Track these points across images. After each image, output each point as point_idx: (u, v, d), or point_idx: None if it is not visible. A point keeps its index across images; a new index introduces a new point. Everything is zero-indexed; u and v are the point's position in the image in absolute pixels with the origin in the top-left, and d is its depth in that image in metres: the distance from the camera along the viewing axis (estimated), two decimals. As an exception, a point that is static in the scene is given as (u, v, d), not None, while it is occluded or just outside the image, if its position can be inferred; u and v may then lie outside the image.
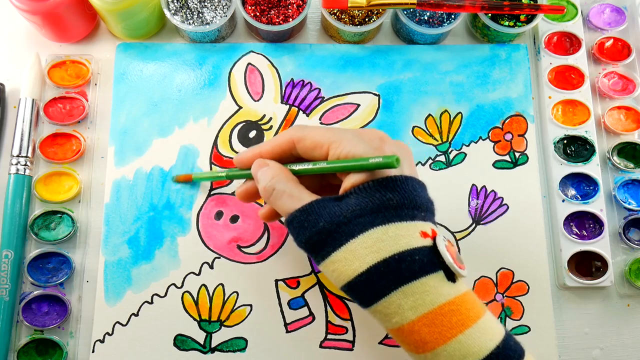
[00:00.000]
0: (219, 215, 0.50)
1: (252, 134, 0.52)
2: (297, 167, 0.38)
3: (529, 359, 0.34)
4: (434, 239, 0.34)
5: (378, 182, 0.34)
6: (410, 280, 0.32)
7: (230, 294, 0.48)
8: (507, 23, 0.53)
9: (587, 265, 0.50)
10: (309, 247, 0.35)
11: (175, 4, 0.51)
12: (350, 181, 0.34)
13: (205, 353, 0.47)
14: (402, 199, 0.34)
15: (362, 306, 0.35)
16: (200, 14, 0.51)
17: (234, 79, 0.53)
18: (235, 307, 0.48)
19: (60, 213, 0.49)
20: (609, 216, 0.51)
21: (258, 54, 0.54)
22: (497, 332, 0.34)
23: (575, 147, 0.53)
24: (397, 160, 0.32)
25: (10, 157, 0.49)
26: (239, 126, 0.52)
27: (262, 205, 0.50)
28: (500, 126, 0.53)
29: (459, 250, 0.50)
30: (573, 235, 0.50)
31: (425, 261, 0.33)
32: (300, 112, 0.52)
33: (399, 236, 0.33)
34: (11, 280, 0.46)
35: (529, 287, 0.49)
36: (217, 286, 0.48)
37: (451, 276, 0.34)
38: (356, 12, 0.52)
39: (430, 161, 0.52)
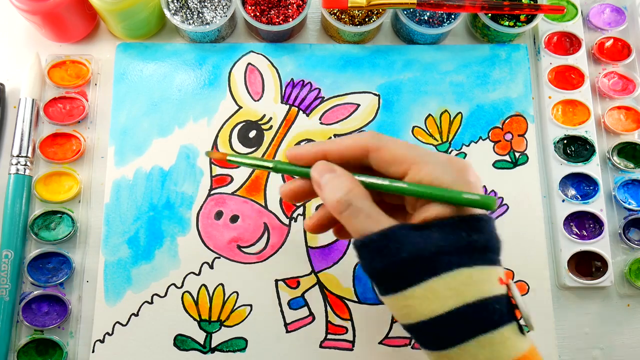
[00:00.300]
0: (218, 215, 0.50)
1: (252, 133, 0.52)
2: (370, 180, 0.33)
3: None
4: (507, 285, 0.32)
5: (465, 220, 0.31)
6: (489, 330, 0.30)
7: (230, 294, 0.48)
8: (507, 23, 0.53)
9: (587, 265, 0.50)
10: (382, 276, 0.32)
11: (175, 4, 0.51)
12: (432, 212, 0.31)
13: (205, 353, 0.47)
14: (486, 241, 0.31)
15: (425, 347, 0.32)
16: (200, 14, 0.51)
17: (234, 79, 0.53)
18: (235, 307, 0.48)
19: (60, 213, 0.49)
20: (609, 216, 0.51)
21: (258, 54, 0.54)
22: None
23: (575, 147, 0.53)
24: (495, 202, 0.30)
25: (10, 157, 0.49)
26: (239, 126, 0.52)
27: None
28: (500, 126, 0.53)
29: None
30: (573, 235, 0.50)
31: (503, 311, 0.30)
32: (300, 112, 0.52)
33: (483, 281, 0.30)
34: (11, 280, 0.46)
35: (529, 287, 0.49)
36: (217, 286, 0.48)
37: (521, 327, 0.32)
38: (356, 12, 0.52)
39: (430, 161, 0.52)
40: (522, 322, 0.32)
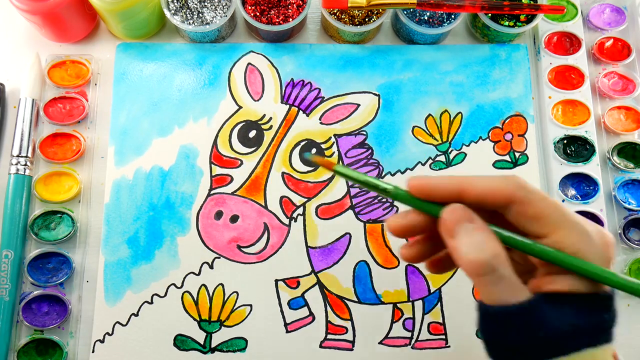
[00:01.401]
0: (218, 215, 0.50)
1: (252, 133, 0.52)
2: (506, 234, 0.30)
3: None
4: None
5: (597, 298, 0.30)
6: None
7: (230, 294, 0.48)
8: (507, 23, 0.53)
9: (587, 265, 0.50)
10: (509, 351, 0.30)
11: (175, 4, 0.51)
12: (566, 284, 0.29)
13: (205, 353, 0.47)
14: (611, 321, 0.30)
15: None
16: (200, 14, 0.51)
17: (234, 78, 0.53)
18: (235, 307, 0.48)
19: (60, 213, 0.49)
20: (609, 216, 0.51)
21: (258, 54, 0.54)
22: None
23: (575, 147, 0.53)
24: None
25: (10, 157, 0.49)
26: (239, 126, 0.52)
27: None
28: (500, 126, 0.53)
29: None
30: (573, 235, 0.50)
31: None
32: (300, 112, 0.52)
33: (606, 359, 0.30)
34: (11, 280, 0.46)
35: (529, 287, 0.49)
36: (217, 286, 0.48)
37: None
38: (356, 12, 0.52)
39: (430, 161, 0.52)
40: None
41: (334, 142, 0.52)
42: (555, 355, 0.29)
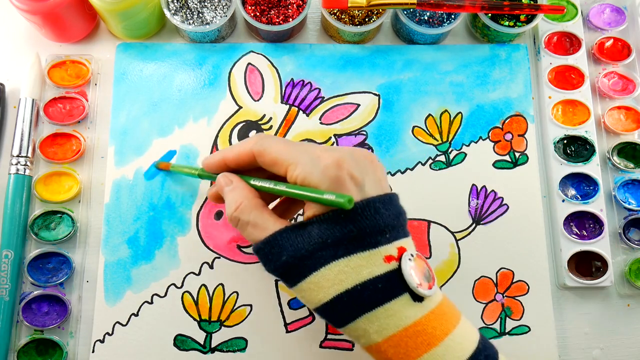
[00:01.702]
0: (218, 215, 0.50)
1: (252, 133, 0.52)
2: (259, 183, 0.37)
3: None
4: (399, 259, 0.34)
5: (338, 213, 0.33)
6: (374, 308, 0.33)
7: (230, 294, 0.48)
8: (507, 23, 0.53)
9: (587, 265, 0.50)
10: (277, 276, 0.36)
11: (175, 4, 0.51)
12: (311, 210, 0.34)
13: (205, 353, 0.47)
14: (362, 228, 0.33)
15: (333, 326, 0.35)
16: (200, 14, 0.51)
17: (234, 79, 0.53)
18: (235, 307, 0.48)
19: (60, 213, 0.49)
20: (609, 216, 0.51)
21: (258, 54, 0.54)
22: (465, 347, 0.34)
23: (575, 147, 0.53)
24: (350, 201, 0.32)
25: (10, 157, 0.49)
26: (239, 126, 0.52)
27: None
28: (500, 126, 0.53)
29: (459, 248, 0.50)
30: (573, 235, 0.50)
31: (388, 287, 0.33)
32: (300, 112, 0.52)
33: (361, 267, 0.33)
34: (11, 280, 0.46)
35: (529, 287, 0.49)
36: (217, 286, 0.48)
37: (417, 296, 0.34)
38: (356, 12, 0.52)
39: (430, 161, 0.52)
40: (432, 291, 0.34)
41: (334, 142, 0.52)
42: (309, 272, 0.33)
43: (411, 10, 0.53)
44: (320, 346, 0.48)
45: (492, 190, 0.51)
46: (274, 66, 0.54)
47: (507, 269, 0.50)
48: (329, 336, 0.48)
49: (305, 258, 0.34)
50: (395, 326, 0.33)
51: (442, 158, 0.52)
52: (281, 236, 0.35)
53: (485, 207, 0.51)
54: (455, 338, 0.34)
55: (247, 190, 0.37)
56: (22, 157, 0.49)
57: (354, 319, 0.33)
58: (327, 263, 0.33)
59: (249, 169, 0.39)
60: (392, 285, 0.33)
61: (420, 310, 0.33)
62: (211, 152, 0.51)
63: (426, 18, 0.53)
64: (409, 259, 0.34)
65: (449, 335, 0.33)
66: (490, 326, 0.48)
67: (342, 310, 0.33)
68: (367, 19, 0.52)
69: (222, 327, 0.48)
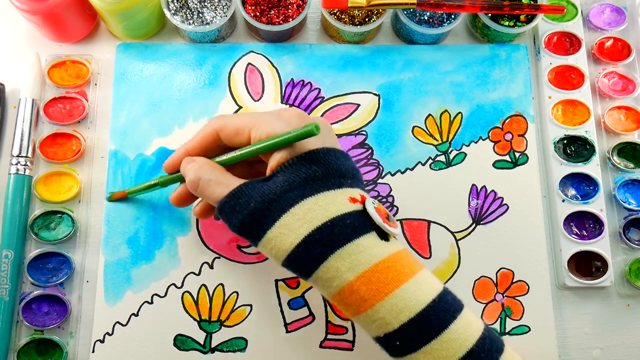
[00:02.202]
0: (219, 215, 0.50)
1: (252, 134, 0.52)
2: (223, 157, 0.39)
3: (466, 314, 0.35)
4: (363, 203, 0.36)
5: (302, 157, 0.35)
6: (345, 243, 0.34)
7: (230, 294, 0.48)
8: (507, 23, 0.53)
9: (587, 265, 0.50)
10: (244, 230, 0.36)
11: (175, 4, 0.51)
12: (275, 160, 0.36)
13: (205, 353, 0.47)
14: (327, 169, 0.35)
15: (303, 278, 0.36)
16: (200, 14, 0.51)
17: (234, 79, 0.53)
18: (235, 307, 0.48)
19: (60, 213, 0.49)
20: (609, 216, 0.51)
21: (258, 54, 0.54)
22: (433, 287, 0.35)
23: (575, 147, 0.53)
24: (317, 127, 0.34)
25: (10, 157, 0.49)
26: (239, 126, 0.52)
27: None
28: (500, 126, 0.53)
29: (459, 248, 0.50)
30: (573, 235, 0.50)
31: (356, 224, 0.34)
32: (300, 112, 0.52)
33: (329, 204, 0.34)
34: (11, 280, 0.46)
35: (529, 287, 0.49)
36: (217, 286, 0.48)
37: (384, 236, 0.35)
38: (356, 12, 0.52)
39: (430, 161, 0.52)
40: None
41: (334, 142, 0.52)
42: (278, 216, 0.34)
43: (411, 10, 0.53)
44: (320, 346, 0.48)
45: (492, 190, 0.51)
46: (274, 66, 0.54)
47: (507, 269, 0.50)
48: (329, 336, 0.48)
49: (274, 201, 0.34)
50: (367, 262, 0.34)
51: (442, 158, 0.52)
52: (247, 187, 0.36)
53: (485, 207, 0.51)
54: (424, 277, 0.35)
55: (206, 160, 0.39)
56: (22, 157, 0.49)
57: (326, 258, 0.34)
58: (296, 203, 0.34)
59: (213, 156, 0.40)
60: (359, 222, 0.35)
61: (388, 248, 0.35)
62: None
63: (426, 18, 0.53)
64: (372, 203, 0.36)
65: (417, 274, 0.35)
66: (490, 326, 0.48)
67: (314, 250, 0.34)
68: (367, 19, 0.52)
69: (222, 327, 0.48)
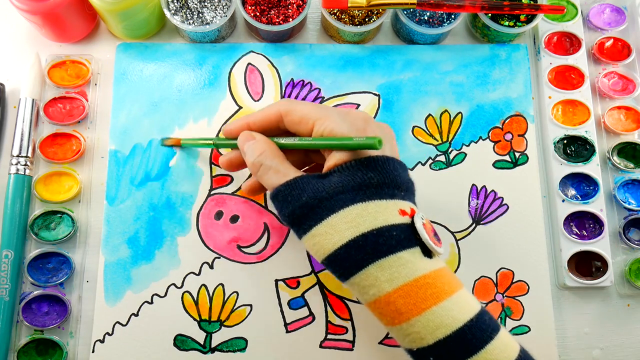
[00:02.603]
0: (219, 215, 0.50)
1: (252, 134, 0.52)
2: (283, 140, 0.39)
3: (503, 334, 0.35)
4: (412, 217, 0.36)
5: (360, 162, 0.35)
6: (387, 254, 0.34)
7: (230, 294, 0.48)
8: (507, 23, 0.53)
9: (587, 265, 0.50)
10: (292, 221, 0.36)
11: (175, 4, 0.51)
12: (333, 159, 0.36)
13: (205, 353, 0.47)
14: (382, 178, 0.35)
15: (341, 279, 0.36)
16: (200, 14, 0.51)
17: (234, 79, 0.53)
18: (235, 307, 0.48)
19: (60, 213, 0.49)
20: (609, 216, 0.51)
21: (258, 54, 0.54)
22: (471, 307, 0.35)
23: (575, 147, 0.53)
24: (380, 142, 0.34)
25: (10, 157, 0.49)
26: (239, 126, 0.52)
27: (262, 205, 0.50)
28: (500, 126, 0.53)
29: (459, 248, 0.50)
30: (573, 235, 0.50)
31: (402, 237, 0.34)
32: (300, 112, 0.52)
33: (378, 213, 0.34)
34: (11, 280, 0.46)
35: (529, 287, 0.49)
36: (217, 286, 0.48)
37: (428, 252, 0.35)
38: (356, 12, 0.52)
39: (430, 161, 0.52)
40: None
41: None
42: (326, 215, 0.35)
43: (411, 10, 0.53)
44: (320, 346, 0.48)
45: (492, 190, 0.51)
46: (274, 66, 0.54)
47: (507, 269, 0.50)
48: (329, 336, 0.48)
49: (325, 200, 0.35)
50: (407, 276, 0.34)
51: (442, 158, 0.52)
52: (302, 180, 0.36)
53: (485, 207, 0.51)
54: (462, 296, 0.35)
55: (270, 142, 0.39)
56: (22, 157, 0.49)
57: (366, 265, 0.34)
58: (346, 206, 0.34)
59: (271, 135, 0.40)
60: (405, 236, 0.34)
61: (430, 265, 0.35)
62: (211, 153, 0.51)
63: (426, 18, 0.53)
64: (421, 218, 0.36)
65: (456, 293, 0.34)
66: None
67: (356, 256, 0.34)
68: (367, 19, 0.52)
69: (222, 327, 0.48)
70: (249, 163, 0.39)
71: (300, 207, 0.36)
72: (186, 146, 0.50)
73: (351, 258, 0.34)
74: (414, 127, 0.53)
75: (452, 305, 0.34)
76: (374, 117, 0.53)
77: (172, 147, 0.51)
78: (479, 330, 0.34)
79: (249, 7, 0.52)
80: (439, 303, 0.33)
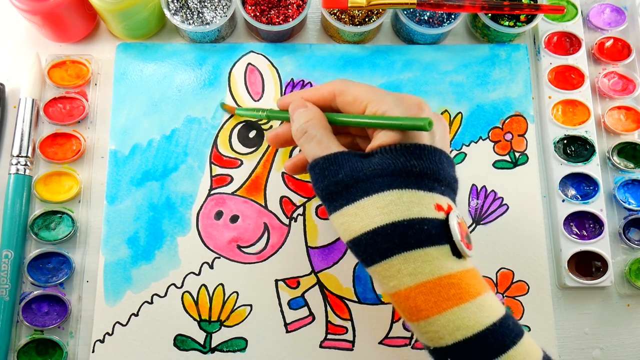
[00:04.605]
0: (218, 215, 0.50)
1: (252, 133, 0.52)
2: (334, 115, 0.38)
3: (526, 340, 0.34)
4: (447, 213, 0.34)
5: (405, 147, 0.34)
6: (414, 248, 0.32)
7: (230, 294, 0.48)
8: (507, 23, 0.53)
9: (587, 265, 0.50)
10: (324, 196, 0.35)
11: (175, 4, 0.51)
12: (378, 140, 0.35)
13: (205, 353, 0.47)
14: (424, 168, 0.33)
15: (363, 264, 0.35)
16: (200, 14, 0.51)
17: (234, 79, 0.53)
18: (235, 307, 0.48)
19: (60, 213, 0.49)
20: (609, 216, 0.51)
21: (258, 54, 0.54)
22: (495, 311, 0.33)
23: (575, 147, 0.53)
24: (430, 123, 0.32)
25: (10, 157, 0.49)
26: (239, 126, 0.52)
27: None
28: (500, 126, 0.53)
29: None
30: (573, 235, 0.50)
31: (433, 232, 0.33)
32: (300, 112, 0.52)
33: (413, 203, 0.33)
34: (11, 280, 0.46)
35: (529, 287, 0.49)
36: (217, 286, 0.48)
37: (457, 253, 0.33)
38: (356, 12, 0.52)
39: (430, 161, 0.52)
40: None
41: (334, 142, 0.52)
42: (359, 196, 0.33)
43: (411, 10, 0.53)
44: (320, 346, 0.48)
45: (492, 190, 0.51)
46: (274, 66, 0.54)
47: (507, 269, 0.50)
48: (329, 336, 0.48)
49: (361, 180, 0.33)
50: (431, 273, 0.32)
51: (442, 158, 0.52)
52: (342, 156, 0.35)
53: (485, 207, 0.51)
54: (487, 300, 0.33)
55: (320, 113, 0.38)
56: (22, 157, 0.49)
57: (391, 256, 0.33)
58: (382, 190, 0.33)
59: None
60: (436, 232, 0.33)
61: (458, 265, 0.33)
62: (211, 153, 0.51)
63: (426, 18, 0.53)
64: (457, 217, 0.34)
65: (482, 295, 0.33)
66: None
67: (382, 243, 0.33)
68: (367, 19, 0.52)
69: (222, 327, 0.48)
70: (294, 129, 0.37)
71: (335, 184, 0.34)
72: (240, 115, 0.50)
73: (377, 245, 0.33)
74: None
75: (475, 308, 0.32)
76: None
77: (227, 112, 0.51)
78: (502, 335, 0.32)
79: (249, 7, 0.52)
80: (461, 304, 0.32)
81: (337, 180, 0.34)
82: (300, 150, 0.39)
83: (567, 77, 0.54)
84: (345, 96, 0.37)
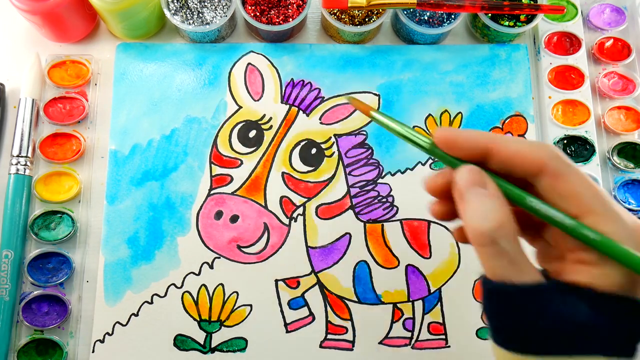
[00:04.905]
0: (218, 215, 0.50)
1: (252, 133, 0.52)
2: (536, 204, 0.27)
3: None
4: None
5: (629, 303, 0.25)
6: None
7: (230, 294, 0.48)
8: (507, 23, 0.53)
9: (587, 265, 0.50)
10: (506, 334, 0.27)
11: (175, 4, 0.51)
12: (590, 276, 0.26)
13: (205, 353, 0.47)
14: None
15: None
16: (200, 14, 0.51)
17: (234, 78, 0.53)
18: (235, 307, 0.48)
19: (60, 213, 0.49)
20: (609, 216, 0.51)
21: (258, 54, 0.54)
22: None
23: (575, 147, 0.53)
24: None
25: (10, 157, 0.49)
26: (239, 126, 0.52)
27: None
28: (500, 126, 0.53)
29: (459, 248, 0.50)
30: (573, 235, 0.50)
31: None
32: (300, 112, 0.52)
33: None
34: (11, 280, 0.46)
35: (529, 287, 0.49)
36: (217, 286, 0.48)
37: None
38: (356, 12, 0.52)
39: (431, 161, 0.52)
40: None
41: (334, 142, 0.52)
42: (556, 352, 0.25)
43: (411, 10, 0.53)
44: (320, 346, 0.48)
45: (492, 190, 0.51)
46: (274, 66, 0.54)
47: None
48: (329, 336, 0.48)
49: (565, 336, 0.25)
50: None
51: (442, 158, 0.52)
52: (544, 295, 0.26)
53: (485, 207, 0.51)
54: None
55: (507, 208, 0.27)
56: (22, 157, 0.49)
57: None
58: (586, 354, 0.25)
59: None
60: None
61: None
62: (211, 153, 0.51)
63: (426, 18, 0.53)
64: None
65: None
66: (490, 326, 0.48)
67: None
68: (367, 19, 0.52)
69: (222, 327, 0.48)
70: (473, 227, 0.26)
71: (530, 331, 0.26)
72: (376, 120, 0.32)
73: None
74: (414, 127, 0.53)
75: None
76: (374, 117, 0.52)
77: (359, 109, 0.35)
78: None
79: (249, 7, 0.52)
80: None
81: (535, 328, 0.26)
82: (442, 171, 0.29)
83: (567, 77, 0.54)
84: (558, 183, 0.26)
